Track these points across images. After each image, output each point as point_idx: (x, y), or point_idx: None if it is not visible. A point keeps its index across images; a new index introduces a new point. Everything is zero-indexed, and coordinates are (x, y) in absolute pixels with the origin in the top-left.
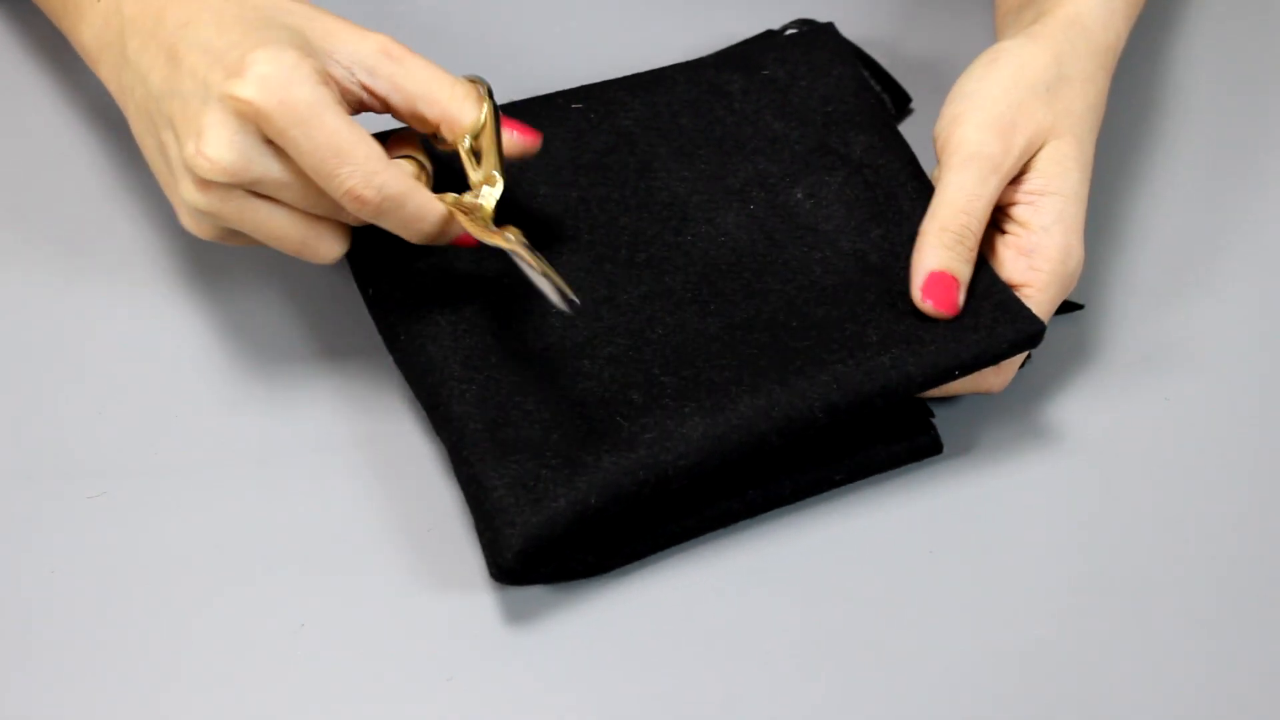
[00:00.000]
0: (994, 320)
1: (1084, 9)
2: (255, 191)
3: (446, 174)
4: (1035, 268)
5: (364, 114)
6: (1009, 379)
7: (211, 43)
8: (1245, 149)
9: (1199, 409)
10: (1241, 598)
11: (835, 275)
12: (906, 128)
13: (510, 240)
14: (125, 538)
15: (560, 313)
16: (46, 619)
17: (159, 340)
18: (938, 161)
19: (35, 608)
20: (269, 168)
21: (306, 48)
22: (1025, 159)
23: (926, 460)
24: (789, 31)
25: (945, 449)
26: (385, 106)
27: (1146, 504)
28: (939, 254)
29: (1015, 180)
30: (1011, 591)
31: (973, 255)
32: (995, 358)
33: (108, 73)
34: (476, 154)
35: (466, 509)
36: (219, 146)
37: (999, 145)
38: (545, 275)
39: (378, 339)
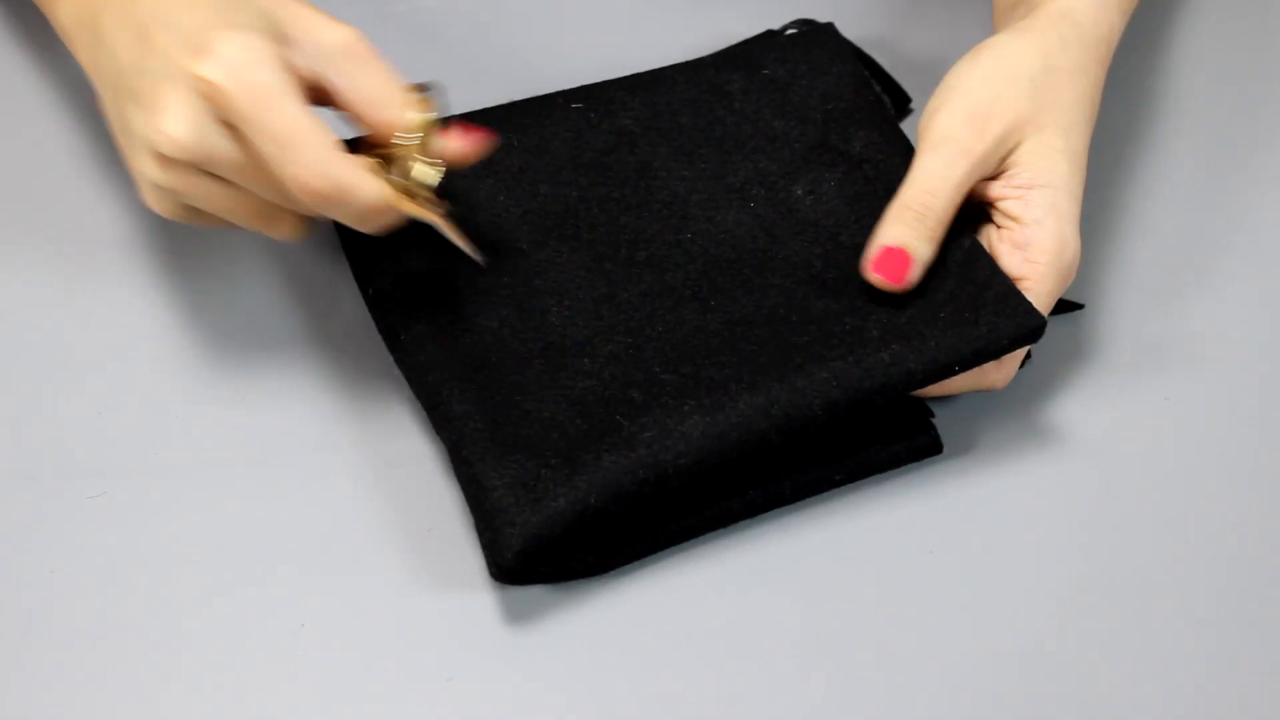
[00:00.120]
0: (995, 314)
1: (1074, 2)
2: (212, 173)
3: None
4: (1031, 260)
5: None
6: (1011, 374)
7: (180, 21)
8: (1246, 148)
9: (1199, 409)
10: (1241, 598)
11: (836, 269)
12: (906, 127)
13: (433, 212)
14: (125, 538)
15: (480, 268)
16: (46, 619)
17: (159, 340)
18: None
19: (35, 608)
20: (225, 149)
21: (274, 33)
22: (1004, 148)
23: (926, 460)
24: (789, 32)
25: (945, 449)
26: (337, 102)
27: (1146, 504)
28: (894, 229)
29: (1003, 175)
30: (1011, 591)
31: (934, 235)
32: (996, 353)
33: (83, 52)
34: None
35: (466, 509)
36: (177, 123)
37: (970, 131)
38: (465, 243)
39: (378, 339)
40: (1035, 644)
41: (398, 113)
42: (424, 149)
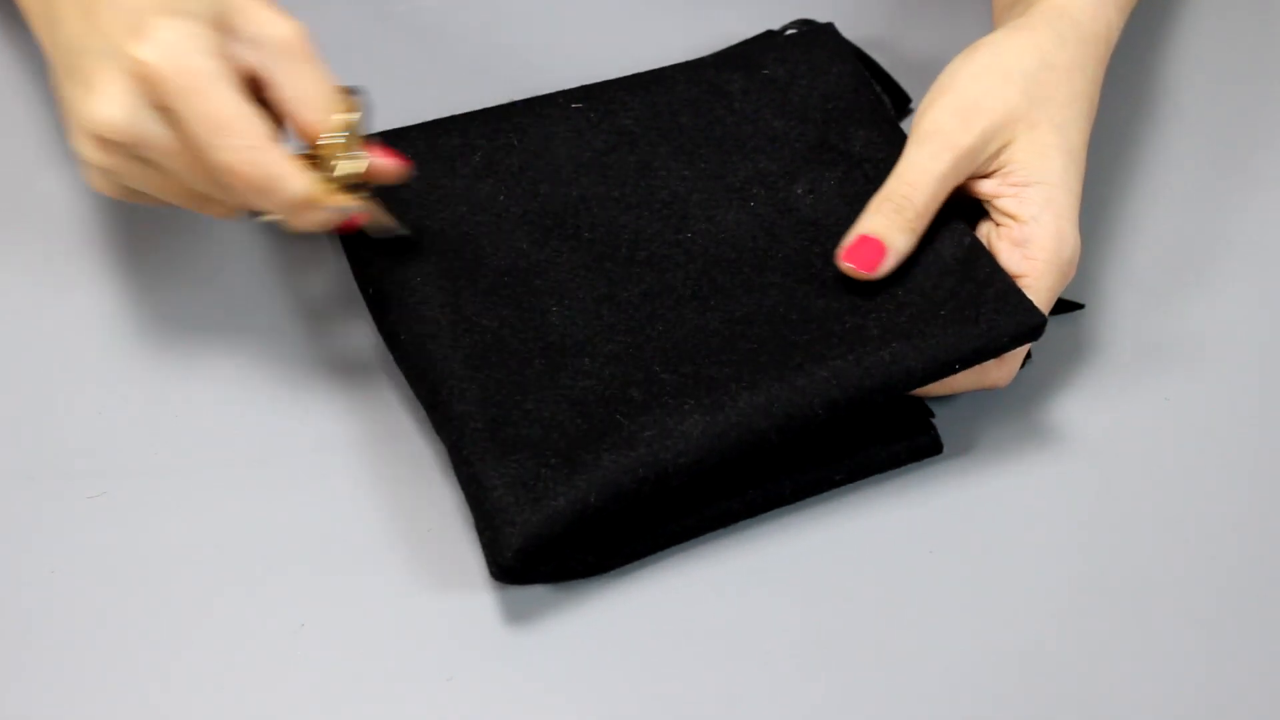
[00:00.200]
0: (995, 312)
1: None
2: (146, 156)
3: None
4: (1030, 257)
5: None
6: (1013, 373)
7: (125, 2)
8: (1246, 148)
9: (1199, 409)
10: (1241, 598)
11: (836, 268)
12: (906, 127)
13: (354, 200)
14: (125, 538)
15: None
16: (46, 619)
17: (159, 340)
18: None
19: (35, 608)
20: (157, 134)
21: (217, 21)
22: (995, 143)
23: (926, 460)
24: (789, 32)
25: (945, 449)
26: (269, 98)
27: (1146, 504)
28: (871, 219)
29: (999, 173)
30: (1011, 591)
31: (912, 226)
32: (996, 350)
33: (40, 29)
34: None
35: (466, 509)
36: (110, 105)
37: (956, 124)
38: (388, 223)
39: (378, 339)
40: (1035, 644)
41: (325, 113)
42: (348, 149)
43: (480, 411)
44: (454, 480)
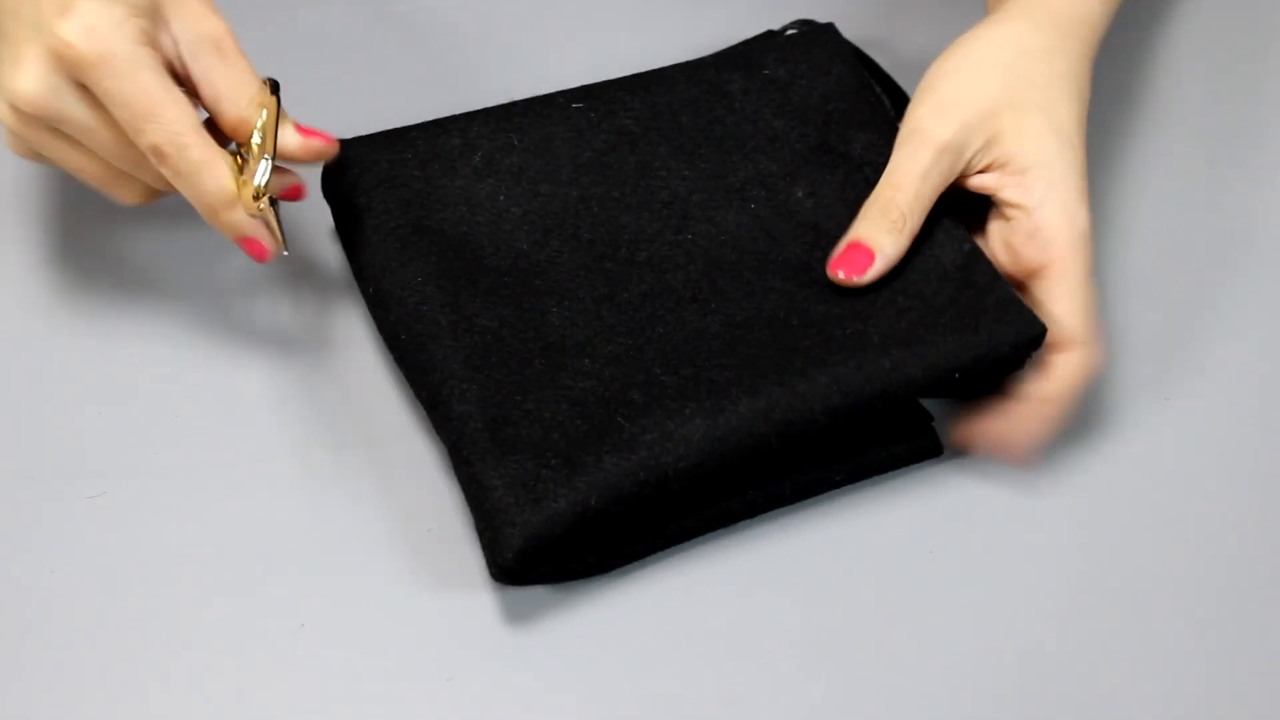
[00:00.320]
0: (995, 321)
1: None
2: (62, 130)
3: None
4: (1047, 244)
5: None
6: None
7: None
8: (1247, 148)
9: (1199, 409)
10: (1241, 598)
11: None
12: None
13: (258, 210)
14: (125, 538)
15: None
16: (46, 619)
17: (159, 340)
18: None
19: (35, 608)
20: (75, 111)
21: (148, 8)
22: (977, 134)
23: (926, 461)
24: (789, 32)
25: (945, 450)
26: (193, 92)
27: (1146, 504)
28: (857, 225)
29: (996, 168)
30: (1011, 592)
31: (898, 228)
32: (997, 360)
33: None
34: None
35: (466, 509)
36: (29, 79)
37: (935, 120)
38: (275, 237)
39: (378, 339)
40: (1035, 644)
41: (247, 109)
42: (267, 145)
43: (480, 411)
44: (454, 480)
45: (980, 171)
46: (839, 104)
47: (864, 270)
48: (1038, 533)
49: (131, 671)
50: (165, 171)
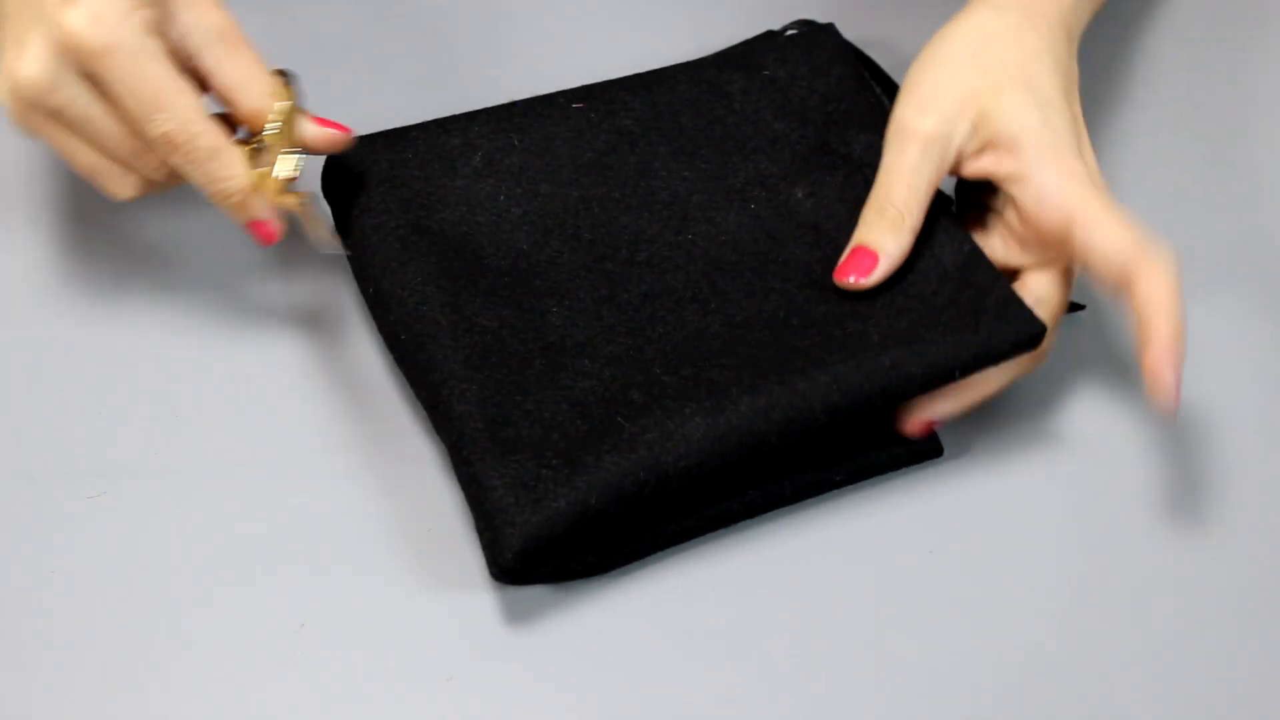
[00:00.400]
0: (995, 320)
1: None
2: (60, 118)
3: None
4: (1058, 203)
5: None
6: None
7: None
8: (1247, 148)
9: (1199, 409)
10: (1241, 598)
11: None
12: None
13: (291, 204)
14: (125, 538)
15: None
16: (46, 619)
17: (158, 340)
18: None
19: (35, 608)
20: (77, 99)
21: (154, 1)
22: (961, 121)
23: (926, 461)
24: (789, 32)
25: (945, 450)
26: (203, 84)
27: (1146, 504)
28: (859, 231)
29: (989, 150)
30: (1011, 591)
31: (899, 225)
32: (996, 358)
33: None
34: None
35: (466, 509)
36: (31, 66)
37: (917, 116)
38: (326, 233)
39: (378, 338)
40: (1035, 644)
41: (263, 99)
42: (287, 136)
43: (480, 411)
44: (454, 480)
45: (974, 158)
46: (839, 104)
47: (870, 272)
48: (1038, 533)
49: (131, 671)
50: (175, 160)
